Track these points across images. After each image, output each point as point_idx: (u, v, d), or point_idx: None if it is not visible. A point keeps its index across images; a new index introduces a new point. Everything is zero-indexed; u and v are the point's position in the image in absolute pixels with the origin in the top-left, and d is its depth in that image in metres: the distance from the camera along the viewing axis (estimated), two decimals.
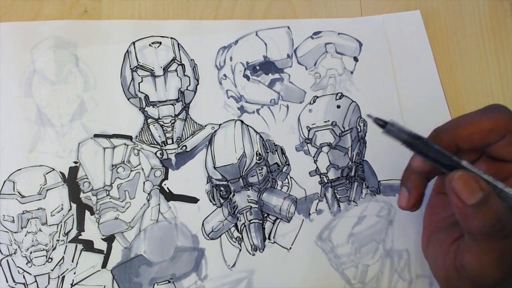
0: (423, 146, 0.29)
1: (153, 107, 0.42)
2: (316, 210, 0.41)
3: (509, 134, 0.27)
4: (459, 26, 0.50)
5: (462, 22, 0.50)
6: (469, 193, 0.25)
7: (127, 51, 0.43)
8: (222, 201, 0.41)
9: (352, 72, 0.46)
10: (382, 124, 0.30)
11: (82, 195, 0.39)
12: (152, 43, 0.44)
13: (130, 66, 0.43)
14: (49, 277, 0.37)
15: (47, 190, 0.38)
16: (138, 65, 0.43)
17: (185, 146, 0.42)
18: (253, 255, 0.40)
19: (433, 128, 0.32)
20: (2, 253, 0.37)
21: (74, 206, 0.39)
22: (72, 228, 0.38)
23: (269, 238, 0.40)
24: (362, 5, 0.50)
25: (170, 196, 0.40)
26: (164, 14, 0.46)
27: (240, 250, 0.40)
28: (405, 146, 0.29)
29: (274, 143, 0.43)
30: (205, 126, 0.43)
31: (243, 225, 0.40)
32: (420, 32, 0.48)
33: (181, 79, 0.43)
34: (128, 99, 0.42)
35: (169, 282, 0.38)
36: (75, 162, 0.40)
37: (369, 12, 0.49)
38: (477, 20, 0.50)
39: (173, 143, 0.42)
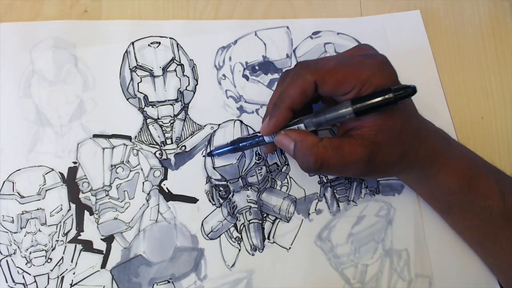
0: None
1: (152, 107, 0.42)
2: (315, 210, 0.41)
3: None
4: (459, 26, 0.50)
5: (462, 22, 0.50)
6: (286, 146, 0.35)
7: (126, 51, 0.43)
8: (221, 201, 0.40)
9: None
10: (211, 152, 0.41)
11: (81, 195, 0.39)
12: (151, 43, 0.44)
13: (129, 66, 0.43)
14: (48, 277, 0.37)
15: (46, 190, 0.39)
16: (137, 65, 0.43)
17: (184, 146, 0.42)
18: (253, 255, 0.39)
19: None
20: (1, 254, 0.37)
21: (73, 206, 0.39)
22: (71, 229, 0.38)
23: (268, 238, 0.40)
24: (362, 5, 0.49)
25: (169, 196, 0.40)
26: (164, 14, 0.46)
27: (239, 250, 0.39)
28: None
29: None
30: (204, 126, 0.42)
31: (242, 225, 0.40)
32: (420, 32, 0.48)
33: (180, 79, 0.43)
34: (127, 99, 0.42)
35: (169, 282, 0.38)
36: (74, 163, 0.40)
37: (369, 12, 0.49)
38: (477, 20, 0.50)
39: (172, 143, 0.42)
